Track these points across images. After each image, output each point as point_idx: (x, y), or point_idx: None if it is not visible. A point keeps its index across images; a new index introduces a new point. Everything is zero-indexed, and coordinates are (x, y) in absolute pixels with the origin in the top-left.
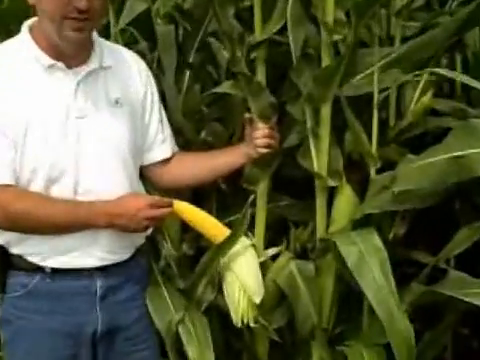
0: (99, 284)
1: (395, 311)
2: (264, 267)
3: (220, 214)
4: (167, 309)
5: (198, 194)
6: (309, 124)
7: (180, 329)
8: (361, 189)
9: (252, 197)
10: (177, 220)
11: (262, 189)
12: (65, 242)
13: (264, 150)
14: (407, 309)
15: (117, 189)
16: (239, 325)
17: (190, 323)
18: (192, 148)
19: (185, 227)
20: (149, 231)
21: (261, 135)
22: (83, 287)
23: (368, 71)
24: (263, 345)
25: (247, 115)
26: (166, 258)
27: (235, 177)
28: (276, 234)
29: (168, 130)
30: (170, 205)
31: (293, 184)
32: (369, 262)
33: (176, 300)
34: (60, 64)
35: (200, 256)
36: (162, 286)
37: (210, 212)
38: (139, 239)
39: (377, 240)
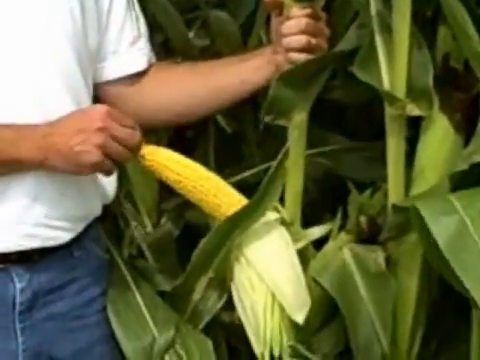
0: (20, 287)
1: None
2: (303, 259)
3: (220, 170)
4: (144, 326)
5: (182, 138)
6: (375, 9)
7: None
8: (467, 121)
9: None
10: (151, 180)
11: (298, 125)
12: None
13: (300, 56)
14: None
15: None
16: (265, 359)
17: (183, 350)
18: (180, 58)
19: (165, 191)
20: (112, 182)
21: (296, 29)
22: None
23: None
24: None
25: None
26: (134, 242)
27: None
28: (323, 202)
29: (143, 26)
30: (142, 135)
31: (349, 115)
32: (477, 242)
33: (159, 312)
34: None
35: (191, 238)
36: (133, 288)
37: (206, 166)
38: (94, 205)
39: None
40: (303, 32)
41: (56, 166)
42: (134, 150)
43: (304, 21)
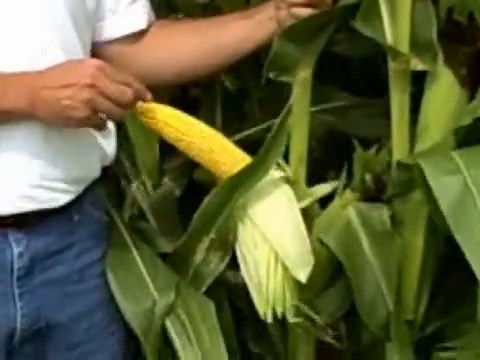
0: (17, 252)
1: None
2: (307, 218)
3: (226, 128)
4: (144, 290)
5: (185, 96)
6: None
7: (168, 323)
8: (472, 76)
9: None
10: (152, 139)
11: (302, 81)
12: None
13: (303, 11)
14: None
15: None
16: (268, 319)
17: (184, 312)
18: (182, 15)
19: (167, 151)
20: (111, 143)
21: None
22: None
23: None
24: (305, 351)
25: None
26: (135, 202)
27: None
28: (327, 160)
29: None
30: (138, 90)
31: (353, 72)
32: (478, 203)
33: (159, 274)
34: None
35: (194, 199)
36: (133, 251)
37: (212, 125)
38: (93, 166)
39: None
40: None
41: (42, 117)
42: (127, 106)
43: None
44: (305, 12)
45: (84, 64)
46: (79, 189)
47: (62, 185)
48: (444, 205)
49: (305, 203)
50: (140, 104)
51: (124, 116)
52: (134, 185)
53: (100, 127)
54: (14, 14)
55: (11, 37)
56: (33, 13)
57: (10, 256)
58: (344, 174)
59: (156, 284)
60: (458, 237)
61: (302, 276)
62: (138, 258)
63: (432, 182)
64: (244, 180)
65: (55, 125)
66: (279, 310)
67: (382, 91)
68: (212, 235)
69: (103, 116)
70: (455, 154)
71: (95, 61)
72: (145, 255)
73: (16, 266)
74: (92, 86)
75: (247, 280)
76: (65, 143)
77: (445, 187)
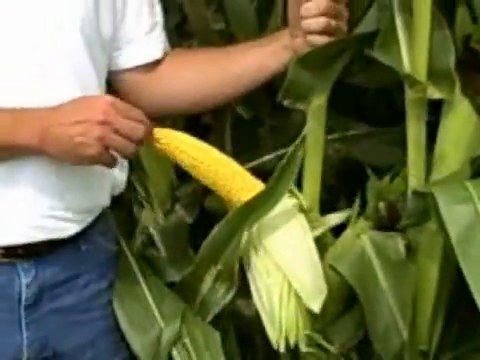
0: (26, 282)
1: None
2: (320, 246)
3: (238, 156)
4: (150, 319)
5: (198, 124)
6: None
7: (174, 352)
8: None
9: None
10: (166, 165)
11: (316, 109)
12: None
13: (320, 38)
14: None
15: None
16: (281, 349)
17: (190, 342)
18: (196, 41)
19: (179, 178)
20: (122, 173)
21: (316, 11)
22: None
23: None
24: None
25: None
26: (145, 230)
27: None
28: (341, 189)
29: (159, 13)
30: (149, 128)
31: (368, 100)
32: None
33: (166, 303)
34: None
35: (206, 226)
36: (140, 279)
37: (222, 152)
38: (102, 196)
39: None
40: (323, 14)
41: (54, 155)
42: (139, 143)
43: (323, 2)
44: (322, 40)
45: (96, 100)
46: (88, 219)
47: (72, 215)
48: (453, 233)
49: (318, 232)
50: (155, 130)
51: (135, 153)
52: (146, 212)
53: (111, 165)
54: (28, 37)
55: (25, 61)
56: (47, 38)
57: (18, 286)
58: (357, 202)
59: (162, 312)
60: (463, 266)
61: (315, 306)
62: (146, 289)
63: (443, 210)
64: (254, 209)
65: (66, 162)
66: (292, 339)
67: (398, 119)
68: (220, 266)
69: (114, 154)
70: (469, 184)
71: (107, 97)
72: (152, 285)
73: (24, 296)
74: (104, 123)
75: (259, 309)
76: (76, 176)
77: (456, 216)
